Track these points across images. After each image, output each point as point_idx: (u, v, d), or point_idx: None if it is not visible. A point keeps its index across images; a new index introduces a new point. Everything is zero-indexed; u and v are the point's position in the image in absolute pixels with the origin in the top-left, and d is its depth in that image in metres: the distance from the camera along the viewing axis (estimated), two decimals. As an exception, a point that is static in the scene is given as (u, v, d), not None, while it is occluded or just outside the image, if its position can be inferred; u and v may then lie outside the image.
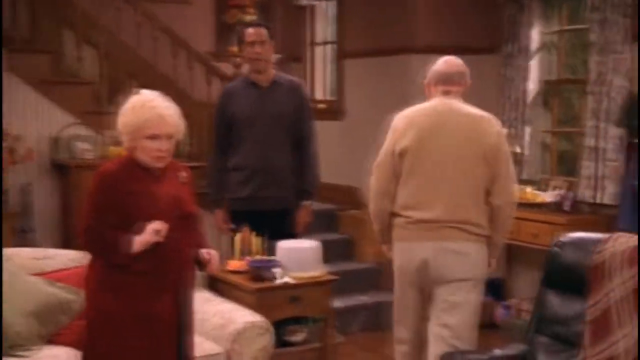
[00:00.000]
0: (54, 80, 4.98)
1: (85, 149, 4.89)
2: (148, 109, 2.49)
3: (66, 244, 4.56)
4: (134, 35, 5.25)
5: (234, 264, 3.56)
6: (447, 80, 3.07)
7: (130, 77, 5.06)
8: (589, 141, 4.44)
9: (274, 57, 3.93)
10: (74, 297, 3.02)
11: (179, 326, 2.57)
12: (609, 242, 2.65)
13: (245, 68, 4.12)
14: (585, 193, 4.46)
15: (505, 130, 3.11)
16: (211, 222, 3.86)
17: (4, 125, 4.42)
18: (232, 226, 3.77)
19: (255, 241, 3.63)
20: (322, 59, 6.33)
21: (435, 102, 3.10)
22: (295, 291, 3.42)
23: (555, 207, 4.49)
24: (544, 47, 4.98)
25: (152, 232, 2.43)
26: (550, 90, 5.06)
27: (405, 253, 3.04)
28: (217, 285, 3.52)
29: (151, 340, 2.50)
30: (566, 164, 5.32)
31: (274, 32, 3.93)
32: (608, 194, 4.33)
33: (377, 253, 5.29)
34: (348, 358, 4.28)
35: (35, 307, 2.96)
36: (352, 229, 5.37)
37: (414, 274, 3.01)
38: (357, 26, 5.59)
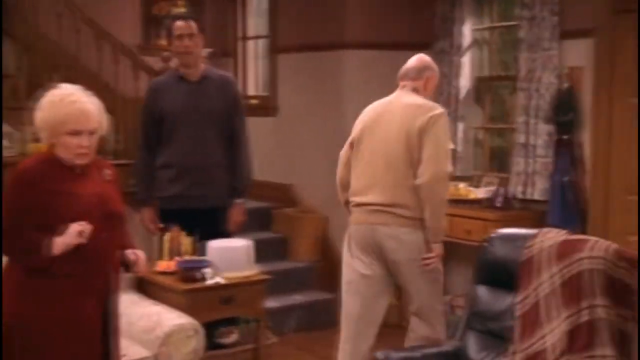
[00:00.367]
0: (-31, 73, 4.79)
1: (3, 146, 4.72)
2: (67, 103, 2.43)
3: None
4: (56, 26, 5.10)
5: (163, 265, 3.51)
6: (403, 76, 3.34)
7: (52, 71, 4.91)
8: (520, 137, 4.57)
9: (204, 51, 3.90)
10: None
11: (105, 331, 2.52)
12: (538, 238, 2.74)
13: (174, 62, 4.07)
14: (516, 189, 4.59)
15: (444, 119, 3.20)
16: (139, 221, 3.80)
17: None
18: (161, 225, 3.72)
19: (185, 241, 3.59)
20: (254, 54, 6.30)
21: (390, 96, 3.37)
22: (227, 292, 3.40)
23: (488, 203, 4.61)
24: (475, 43, 5.10)
25: (74, 233, 2.37)
26: (482, 86, 5.19)
27: (356, 233, 3.31)
28: (146, 287, 3.47)
29: (75, 346, 2.45)
30: (498, 160, 5.47)
31: (204, 25, 3.89)
32: (538, 189, 4.48)
33: (312, 251, 5.34)
34: (282, 359, 4.28)
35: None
36: (286, 228, 5.38)
37: (362, 251, 3.27)
38: (290, 20, 5.59)
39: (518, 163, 4.58)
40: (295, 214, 5.41)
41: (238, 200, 3.88)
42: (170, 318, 3.08)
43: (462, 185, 4.77)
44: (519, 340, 2.62)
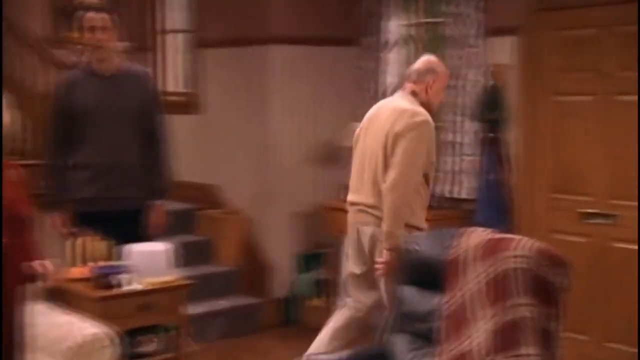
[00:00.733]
0: None
1: None
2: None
3: None
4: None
5: (76, 271, 3.41)
6: (406, 77, 3.48)
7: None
8: (447, 135, 4.65)
9: (119, 44, 3.80)
10: None
11: (8, 344, 2.41)
12: (464, 237, 2.77)
13: (87, 56, 3.94)
14: (444, 188, 4.67)
15: (424, 127, 3.27)
16: (50, 225, 3.67)
17: None
18: (74, 229, 3.61)
19: (101, 245, 3.50)
20: (173, 48, 6.18)
21: (391, 96, 3.55)
22: (145, 298, 3.33)
23: (415, 202, 4.66)
24: (402, 39, 5.15)
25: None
26: (409, 84, 5.24)
27: (348, 232, 3.52)
28: (58, 296, 3.34)
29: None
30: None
31: (119, 18, 3.78)
32: (465, 188, 4.56)
33: (237, 255, 5.28)
34: (204, 367, 4.22)
35: None
36: (210, 230, 5.31)
37: (352, 250, 3.50)
38: (213, 14, 5.51)
39: (445, 162, 4.65)
40: (220, 216, 5.35)
41: (158, 202, 3.81)
42: (82, 328, 2.98)
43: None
44: (445, 341, 2.64)
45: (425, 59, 3.47)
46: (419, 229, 3.32)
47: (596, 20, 4.03)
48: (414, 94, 3.39)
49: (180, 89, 6.10)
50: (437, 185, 4.70)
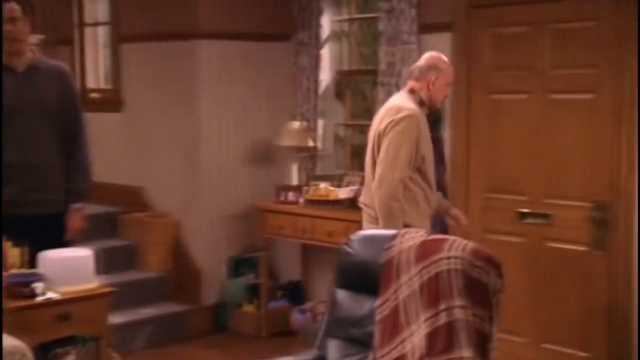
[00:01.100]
0: None
1: None
2: None
3: None
4: None
5: (-14, 281, 3.26)
6: (409, 75, 3.56)
7: None
8: (382, 134, 4.66)
9: (33, 37, 3.68)
10: None
11: None
12: (397, 239, 2.78)
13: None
14: (379, 188, 4.68)
15: (405, 123, 3.33)
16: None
17: None
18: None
19: (13, 252, 3.37)
20: (94, 42, 6.03)
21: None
22: (63, 308, 3.23)
23: (350, 203, 4.67)
24: (335, 35, 5.16)
25: None
26: (343, 81, 5.26)
27: None
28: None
29: None
30: (361, 159, 5.57)
31: (32, 8, 3.66)
32: (401, 188, 4.59)
33: (163, 260, 5.19)
34: (127, 379, 4.14)
35: None
36: (135, 234, 5.22)
37: None
38: (135, 6, 5.40)
39: (380, 161, 4.67)
40: (146, 219, 5.26)
41: (76, 205, 3.71)
42: (-7, 341, 2.85)
43: (322, 185, 4.81)
44: (379, 346, 2.65)
45: (428, 55, 3.55)
46: (412, 227, 3.29)
47: (531, 18, 4.12)
48: (411, 91, 3.49)
49: (102, 85, 5.97)
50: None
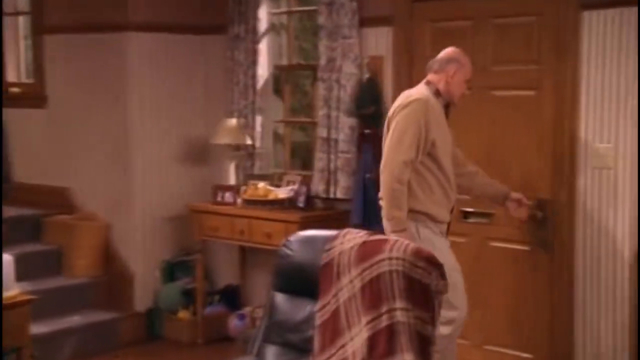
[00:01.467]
0: None
1: None
2: None
3: None
4: None
5: None
6: (428, 68, 3.58)
7: None
8: (322, 132, 4.68)
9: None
10: None
11: None
12: (338, 239, 2.79)
13: None
14: (319, 187, 4.70)
15: (411, 107, 3.37)
16: None
17: None
18: None
19: None
20: (14, 33, 5.88)
21: None
22: (-21, 318, 3.13)
23: (289, 203, 4.68)
24: (273, 28, 5.15)
25: None
26: (282, 76, 5.26)
27: None
28: None
29: None
30: (301, 157, 5.59)
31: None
32: (341, 187, 4.61)
33: (92, 265, 5.10)
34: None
35: None
36: (61, 238, 5.13)
37: None
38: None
39: (320, 159, 4.69)
40: (72, 222, 5.16)
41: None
42: None
43: (261, 184, 4.80)
44: (319, 351, 2.66)
45: (450, 49, 3.58)
46: (428, 215, 3.41)
47: (472, 12, 4.19)
48: (428, 82, 3.53)
49: (23, 79, 5.84)
50: (312, 185, 4.74)
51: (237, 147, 5.03)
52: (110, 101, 5.14)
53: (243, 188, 4.86)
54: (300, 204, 4.66)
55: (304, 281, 2.84)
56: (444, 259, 3.35)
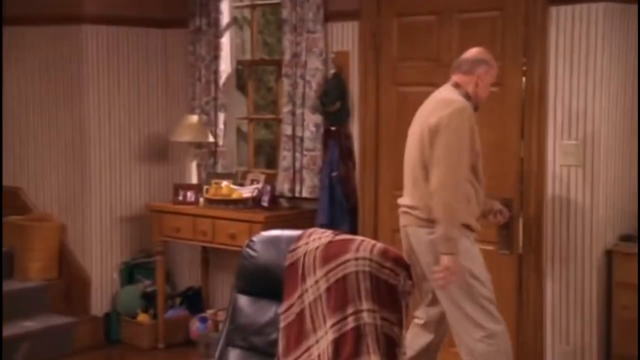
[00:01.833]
0: None
1: None
2: None
3: None
4: None
5: None
6: (454, 69, 3.50)
7: None
8: (286, 129, 4.70)
9: None
10: None
11: None
12: (303, 240, 2.80)
13: None
14: (284, 186, 4.72)
15: (462, 117, 3.32)
16: None
17: None
18: None
19: None
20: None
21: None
22: None
23: (254, 203, 4.69)
24: (236, 22, 5.15)
25: None
26: (245, 71, 5.26)
27: (401, 234, 3.59)
28: None
29: None
30: (265, 155, 5.61)
31: None
32: (307, 186, 4.64)
33: (47, 268, 5.06)
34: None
35: None
36: (12, 240, 5.08)
37: (405, 254, 3.42)
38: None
39: (285, 157, 4.71)
40: (24, 223, 5.11)
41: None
42: None
43: (224, 183, 4.80)
44: (283, 355, 2.67)
45: (477, 49, 3.49)
46: (468, 226, 3.39)
47: (437, 7, 4.23)
48: (456, 85, 3.45)
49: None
50: (277, 183, 4.75)
51: (199, 145, 5.02)
52: (65, 96, 5.10)
53: (205, 187, 4.86)
54: (265, 204, 4.67)
55: (268, 283, 2.85)
56: (480, 270, 3.45)
